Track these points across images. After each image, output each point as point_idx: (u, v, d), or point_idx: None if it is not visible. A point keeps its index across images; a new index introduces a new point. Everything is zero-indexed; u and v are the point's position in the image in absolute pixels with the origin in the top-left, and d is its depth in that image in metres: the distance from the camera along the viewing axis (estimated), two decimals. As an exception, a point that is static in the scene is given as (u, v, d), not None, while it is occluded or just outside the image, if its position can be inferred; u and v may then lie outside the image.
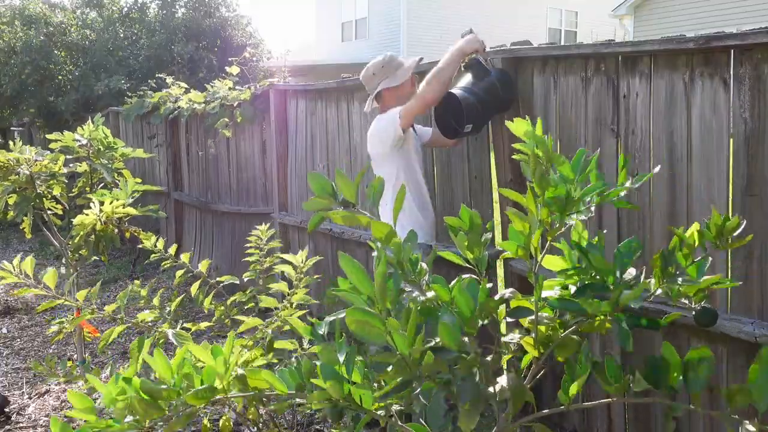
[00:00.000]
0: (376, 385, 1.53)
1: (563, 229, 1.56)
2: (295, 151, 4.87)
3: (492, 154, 3.12)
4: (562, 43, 9.07)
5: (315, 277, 2.53)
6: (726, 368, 2.25)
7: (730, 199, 2.19)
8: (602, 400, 1.73)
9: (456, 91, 2.77)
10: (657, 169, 1.76)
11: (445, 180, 3.47)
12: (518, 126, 1.57)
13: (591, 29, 19.61)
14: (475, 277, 1.62)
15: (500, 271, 3.19)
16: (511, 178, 2.95)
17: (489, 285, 1.59)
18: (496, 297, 1.65)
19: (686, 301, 1.55)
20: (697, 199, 2.27)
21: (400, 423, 1.59)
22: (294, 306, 2.41)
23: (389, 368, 1.45)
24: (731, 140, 2.17)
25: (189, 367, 1.47)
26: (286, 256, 2.48)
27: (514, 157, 1.64)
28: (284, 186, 5.03)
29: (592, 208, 1.52)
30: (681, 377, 1.49)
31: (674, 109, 2.33)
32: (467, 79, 2.85)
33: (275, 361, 2.19)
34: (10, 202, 3.51)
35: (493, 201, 3.24)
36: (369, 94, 3.08)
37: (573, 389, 1.54)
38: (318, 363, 1.48)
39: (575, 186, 1.51)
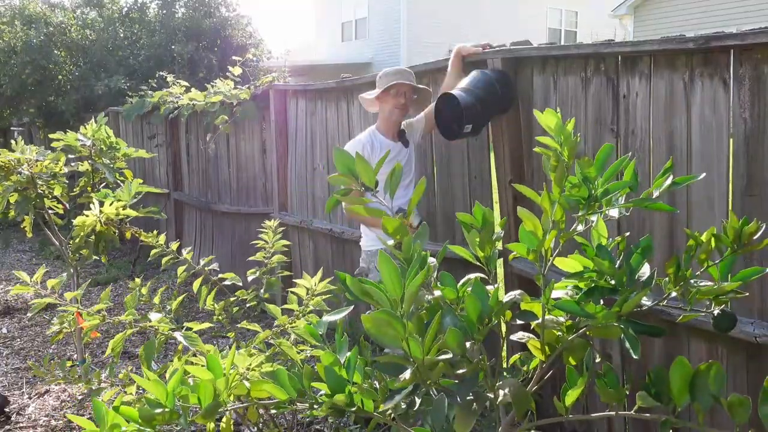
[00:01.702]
0: (377, 383, 1.53)
1: (581, 229, 1.54)
2: (295, 150, 4.87)
3: (492, 154, 3.12)
4: (562, 43, 9.07)
5: (325, 297, 2.49)
6: (726, 368, 2.24)
7: (730, 199, 2.18)
8: (601, 413, 1.72)
9: (455, 92, 2.77)
10: (702, 176, 1.72)
11: (445, 180, 3.47)
12: (547, 118, 1.53)
13: (591, 29, 19.60)
14: (483, 276, 1.61)
15: (500, 270, 3.19)
16: (510, 178, 2.95)
17: (490, 287, 1.58)
18: (505, 299, 1.63)
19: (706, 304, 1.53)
20: (697, 200, 2.27)
21: (401, 424, 1.59)
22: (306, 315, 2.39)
23: (403, 373, 1.44)
24: (731, 140, 2.17)
25: (186, 389, 1.47)
26: (299, 281, 2.45)
27: (535, 150, 1.60)
28: (284, 186, 5.03)
29: (620, 210, 1.48)
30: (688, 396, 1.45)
31: (674, 109, 2.33)
32: (470, 77, 2.85)
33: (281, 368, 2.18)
34: (11, 200, 3.52)
35: (493, 201, 3.24)
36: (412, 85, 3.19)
37: (570, 398, 1.52)
38: (318, 365, 1.48)
39: (597, 186, 1.48)
